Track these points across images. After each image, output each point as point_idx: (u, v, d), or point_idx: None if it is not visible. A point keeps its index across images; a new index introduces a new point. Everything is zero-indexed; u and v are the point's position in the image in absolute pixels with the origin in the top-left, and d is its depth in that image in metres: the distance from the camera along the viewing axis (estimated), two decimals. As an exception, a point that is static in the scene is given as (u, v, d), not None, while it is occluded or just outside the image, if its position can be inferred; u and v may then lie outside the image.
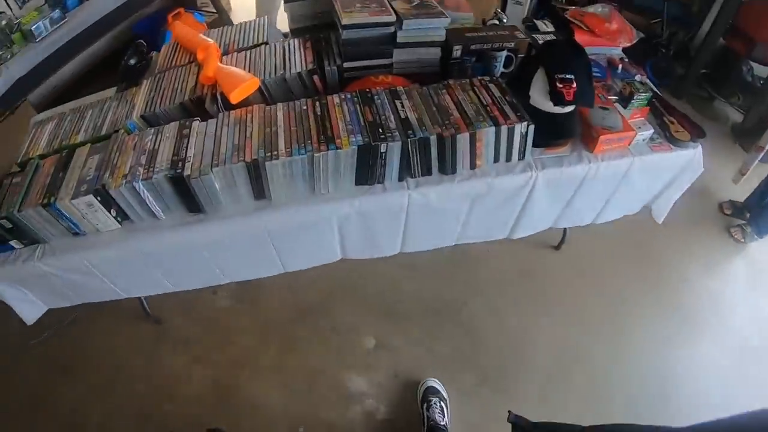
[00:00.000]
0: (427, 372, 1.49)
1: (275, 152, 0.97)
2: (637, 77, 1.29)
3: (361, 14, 1.10)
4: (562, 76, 1.07)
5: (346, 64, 1.15)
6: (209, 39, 1.30)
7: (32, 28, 2.04)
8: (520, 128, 1.05)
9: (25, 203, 1.07)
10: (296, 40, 1.23)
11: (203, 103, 1.17)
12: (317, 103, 1.06)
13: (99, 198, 1.04)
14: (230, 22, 3.27)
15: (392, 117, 1.02)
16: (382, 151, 0.99)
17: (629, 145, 1.18)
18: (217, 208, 1.06)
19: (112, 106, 1.24)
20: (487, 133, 1.04)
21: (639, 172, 1.21)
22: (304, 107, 1.06)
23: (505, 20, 1.39)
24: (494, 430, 1.28)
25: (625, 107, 1.19)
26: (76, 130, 1.22)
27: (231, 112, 1.09)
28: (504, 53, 1.21)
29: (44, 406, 1.47)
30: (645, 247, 1.80)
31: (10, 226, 1.09)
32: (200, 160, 0.99)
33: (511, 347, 1.56)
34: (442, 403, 1.41)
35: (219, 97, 1.14)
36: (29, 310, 1.23)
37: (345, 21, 1.08)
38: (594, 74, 1.23)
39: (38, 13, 2.13)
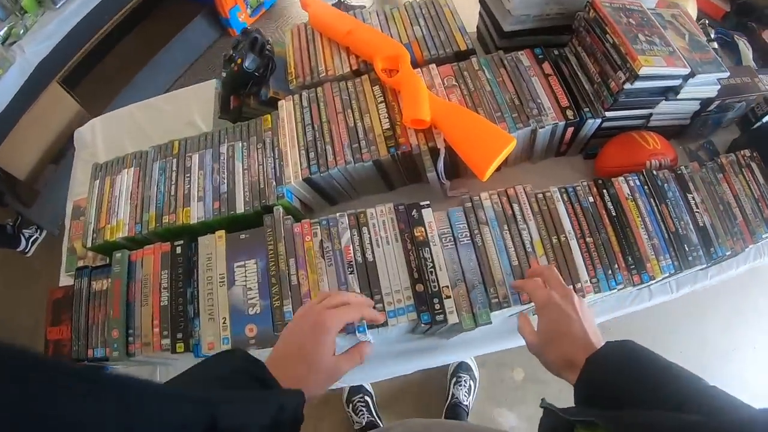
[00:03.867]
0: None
1: (578, 284, 0.69)
2: None
3: (655, 58, 0.76)
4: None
5: (608, 113, 0.82)
6: (383, 33, 0.81)
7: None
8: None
9: (138, 342, 0.64)
10: (527, 57, 0.83)
11: (411, 161, 0.75)
12: (605, 193, 0.76)
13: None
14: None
15: (690, 223, 0.79)
16: (685, 271, 0.78)
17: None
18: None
19: (238, 149, 0.75)
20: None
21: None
22: (591, 199, 0.75)
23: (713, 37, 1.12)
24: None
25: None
26: (182, 196, 0.72)
27: (479, 194, 0.72)
28: (742, 104, 0.99)
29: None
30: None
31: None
32: (458, 299, 0.65)
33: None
34: (471, 382, 1.46)
35: (443, 159, 0.73)
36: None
37: (644, 69, 0.73)
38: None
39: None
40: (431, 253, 0.67)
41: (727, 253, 0.81)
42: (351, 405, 1.40)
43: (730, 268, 0.94)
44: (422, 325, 0.66)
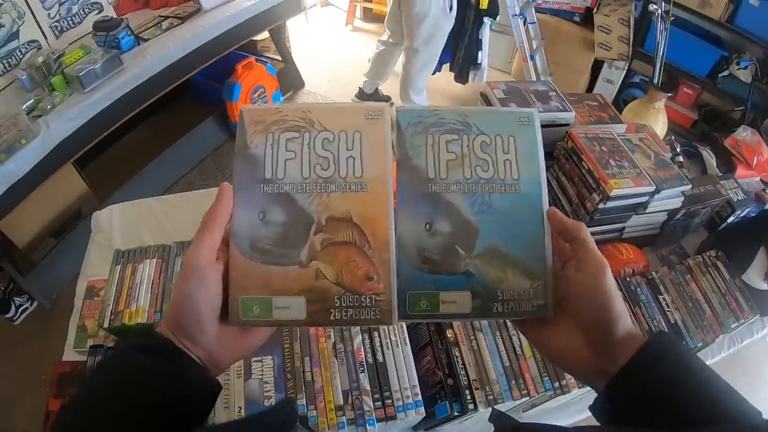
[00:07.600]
0: None
1: (566, 380, 0.79)
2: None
3: (624, 180, 0.91)
4: (781, 258, 1.05)
5: (585, 228, 0.95)
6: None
7: (80, 75, 1.57)
8: (750, 320, 1.01)
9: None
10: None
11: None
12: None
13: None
14: (298, 74, 2.82)
15: (663, 321, 0.93)
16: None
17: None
18: None
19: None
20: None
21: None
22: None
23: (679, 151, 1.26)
24: None
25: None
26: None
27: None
28: (707, 210, 1.12)
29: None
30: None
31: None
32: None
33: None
34: None
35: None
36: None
37: (615, 191, 0.88)
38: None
39: (83, 51, 1.64)
40: (460, 352, 0.78)
41: (699, 344, 0.93)
42: None
43: (705, 358, 1.04)
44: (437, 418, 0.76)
